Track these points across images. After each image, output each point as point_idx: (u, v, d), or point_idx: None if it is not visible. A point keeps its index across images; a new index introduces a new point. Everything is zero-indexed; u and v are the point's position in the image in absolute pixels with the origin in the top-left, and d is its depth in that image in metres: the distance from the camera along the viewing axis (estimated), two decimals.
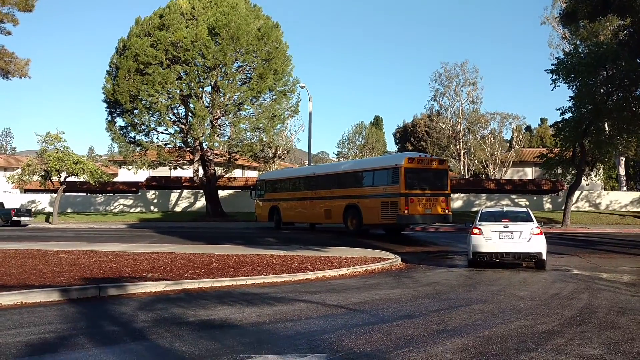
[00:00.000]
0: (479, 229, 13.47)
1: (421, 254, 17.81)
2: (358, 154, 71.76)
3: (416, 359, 5.52)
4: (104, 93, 36.55)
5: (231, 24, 32.99)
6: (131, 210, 44.98)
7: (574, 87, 28.15)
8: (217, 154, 39.35)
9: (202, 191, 41.38)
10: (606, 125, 29.64)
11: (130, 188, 48.16)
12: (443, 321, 7.41)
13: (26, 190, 50.06)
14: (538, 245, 13.16)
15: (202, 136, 34.99)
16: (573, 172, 31.06)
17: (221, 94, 35.20)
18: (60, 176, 37.58)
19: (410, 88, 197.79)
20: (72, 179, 39.87)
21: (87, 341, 6.31)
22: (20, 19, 36.11)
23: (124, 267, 12.51)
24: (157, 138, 37.98)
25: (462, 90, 52.81)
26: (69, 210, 45.13)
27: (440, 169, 22.88)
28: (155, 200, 45.73)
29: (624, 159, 43.85)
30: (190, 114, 36.04)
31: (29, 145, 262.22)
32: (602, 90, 27.80)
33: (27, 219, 35.70)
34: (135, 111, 35.31)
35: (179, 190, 46.22)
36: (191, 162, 37.76)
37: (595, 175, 39.86)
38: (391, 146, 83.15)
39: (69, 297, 9.05)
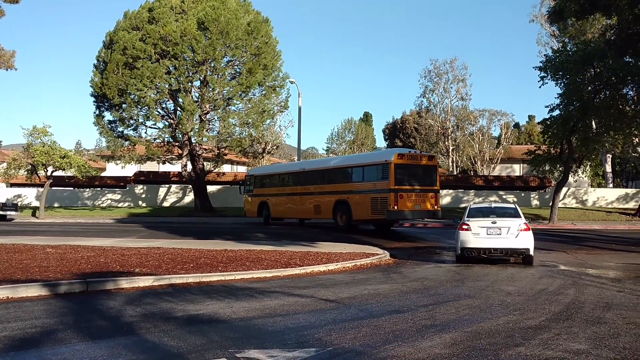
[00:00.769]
0: (467, 224, 13.54)
1: (410, 249, 17.88)
2: (347, 150, 71.82)
3: (405, 354, 5.53)
4: (91, 87, 36.20)
5: (221, 19, 32.80)
6: (119, 205, 44.67)
7: (562, 84, 28.36)
8: (205, 149, 39.19)
9: (190, 186, 41.17)
10: (593, 123, 29.87)
11: (118, 183, 47.81)
12: (431, 316, 7.44)
13: (12, 185, 49.52)
14: (526, 241, 13.27)
15: (190, 131, 34.81)
16: (560, 169, 31.31)
17: (210, 89, 35.01)
18: (47, 170, 37.19)
19: (400, 85, 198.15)
20: (59, 173, 39.49)
21: (75, 336, 6.26)
22: (7, 10, 35.72)
23: (112, 262, 12.43)
24: (145, 132, 37.81)
25: (451, 87, 53.11)
26: (55, 205, 44.71)
27: (429, 165, 22.96)
28: (143, 195, 45.45)
29: (611, 156, 44.24)
30: (179, 108, 35.80)
31: (14, 139, 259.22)
32: (589, 88, 28.01)
33: (13, 213, 35.29)
34: (124, 105, 35.02)
35: (168, 185, 45.95)
36: (180, 156, 37.55)
37: (582, 172, 40.26)
38: (380, 142, 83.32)
39: (56, 291, 8.98)
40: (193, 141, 36.47)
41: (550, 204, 30.97)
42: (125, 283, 9.72)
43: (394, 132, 77.34)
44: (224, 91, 35.42)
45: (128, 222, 32.45)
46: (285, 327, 6.78)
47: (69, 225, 29.93)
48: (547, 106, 29.20)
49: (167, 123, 36.85)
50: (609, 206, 37.79)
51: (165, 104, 36.95)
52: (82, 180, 40.90)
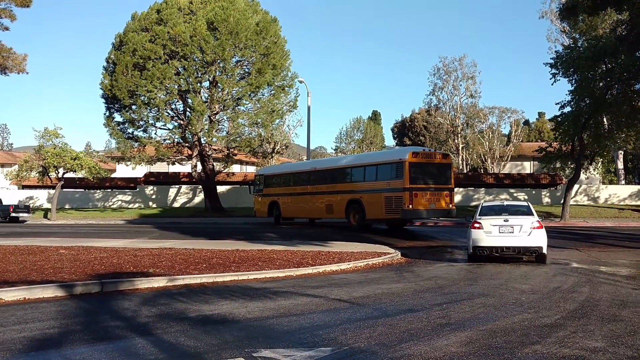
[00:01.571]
0: (479, 223, 13.47)
1: (421, 248, 17.84)
2: (356, 149, 71.71)
3: (421, 352, 5.53)
4: (101, 89, 36.46)
5: (230, 19, 32.89)
6: (129, 206, 44.92)
7: (573, 81, 28.16)
8: (215, 149, 39.31)
9: (200, 187, 41.34)
10: (605, 119, 29.68)
11: (129, 184, 48.07)
12: (446, 315, 7.43)
13: (24, 187, 50.00)
14: (539, 239, 13.17)
15: (200, 131, 34.94)
16: (572, 166, 31.10)
17: (219, 89, 35.12)
18: (58, 172, 37.49)
19: (409, 83, 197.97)
20: (70, 175, 39.78)
21: (92, 336, 6.32)
22: (18, 14, 36.07)
23: (125, 262, 12.51)
24: (155, 134, 38.00)
25: (460, 85, 52.90)
26: (67, 207, 45.05)
27: (444, 163, 22.79)
28: (153, 196, 45.68)
29: (623, 152, 43.93)
30: (188, 109, 35.96)
31: (26, 141, 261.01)
32: (601, 84, 27.80)
33: (25, 215, 35.63)
34: (134, 107, 35.23)
35: (178, 186, 46.14)
36: (189, 157, 37.71)
37: (594, 169, 39.97)
38: (389, 141, 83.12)
39: (71, 292, 9.06)
40: (203, 142, 36.60)
41: (562, 201, 30.81)
42: (139, 284, 9.79)
43: (402, 130, 77.17)
44: (233, 91, 35.51)
45: (139, 223, 32.63)
46: (300, 326, 6.80)
47: (80, 227, 30.15)
48: (558, 103, 29.12)
49: (176, 124, 37.02)
50: (621, 203, 37.50)
51: (175, 104, 37.14)
52: (93, 182, 41.19)
